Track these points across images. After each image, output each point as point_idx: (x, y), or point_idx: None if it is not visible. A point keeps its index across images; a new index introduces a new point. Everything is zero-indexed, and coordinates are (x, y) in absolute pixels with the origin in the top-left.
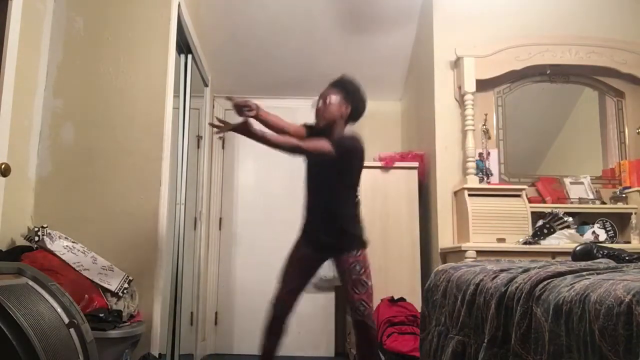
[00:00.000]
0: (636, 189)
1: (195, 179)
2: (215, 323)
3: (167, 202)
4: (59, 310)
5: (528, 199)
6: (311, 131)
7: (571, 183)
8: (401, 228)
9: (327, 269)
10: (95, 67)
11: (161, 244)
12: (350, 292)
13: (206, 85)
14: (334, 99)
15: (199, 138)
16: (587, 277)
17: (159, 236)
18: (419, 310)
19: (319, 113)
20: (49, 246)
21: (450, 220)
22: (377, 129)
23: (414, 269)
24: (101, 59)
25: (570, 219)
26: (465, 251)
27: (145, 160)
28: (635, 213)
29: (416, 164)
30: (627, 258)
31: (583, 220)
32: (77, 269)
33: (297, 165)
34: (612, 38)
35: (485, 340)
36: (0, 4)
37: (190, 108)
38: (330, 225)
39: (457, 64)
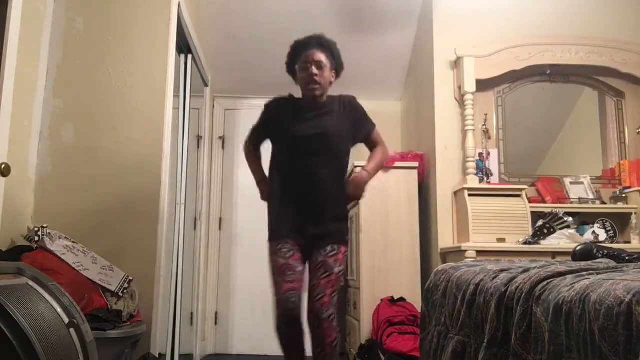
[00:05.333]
0: (636, 189)
1: (195, 179)
2: (215, 323)
3: (167, 202)
4: (59, 310)
5: (528, 199)
6: (298, 101)
7: (571, 183)
8: (401, 228)
9: None
10: (95, 67)
11: (161, 244)
12: (311, 275)
13: (206, 85)
14: (326, 63)
15: (199, 138)
16: (587, 277)
17: (159, 236)
18: (419, 310)
19: (314, 79)
20: (49, 246)
21: (450, 220)
22: (377, 129)
23: (414, 269)
24: (101, 59)
25: (570, 219)
26: (465, 251)
27: (145, 160)
28: (635, 213)
29: (416, 164)
30: (627, 258)
31: (583, 220)
32: (77, 269)
33: None
34: (612, 38)
35: (485, 340)
36: (0, 4)
37: (190, 108)
38: (319, 203)
39: (457, 64)
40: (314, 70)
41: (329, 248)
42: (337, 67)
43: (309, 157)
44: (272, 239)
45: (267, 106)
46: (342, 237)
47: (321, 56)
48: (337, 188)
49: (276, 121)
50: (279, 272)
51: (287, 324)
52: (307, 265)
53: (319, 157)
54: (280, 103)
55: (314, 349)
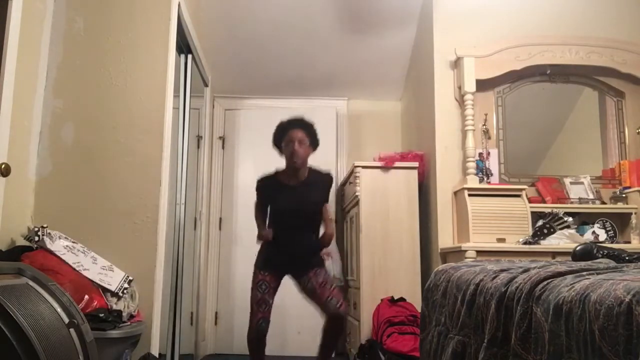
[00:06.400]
0: (636, 189)
1: (195, 179)
2: (215, 323)
3: (167, 202)
4: (59, 310)
5: (528, 199)
6: (280, 174)
7: (571, 183)
8: (401, 228)
9: (330, 268)
10: (95, 67)
11: (161, 244)
12: (318, 292)
13: (206, 85)
14: (305, 141)
15: (199, 138)
16: (587, 277)
17: (159, 236)
18: (419, 310)
19: (297, 154)
20: (49, 246)
21: (450, 220)
22: (377, 129)
23: (414, 269)
24: (101, 59)
25: (570, 219)
26: (465, 251)
27: (145, 160)
28: (635, 213)
29: (416, 164)
30: (627, 258)
31: (583, 220)
32: (77, 269)
33: None
34: (612, 38)
35: (485, 340)
36: (0, 4)
37: (190, 108)
38: (308, 245)
39: (457, 64)
40: (296, 146)
41: (320, 271)
42: (314, 143)
43: (292, 221)
44: (257, 267)
45: (258, 187)
46: (321, 264)
47: (302, 135)
48: (313, 238)
49: (266, 196)
50: (256, 303)
51: (257, 340)
52: (275, 298)
53: (299, 221)
54: (266, 182)
55: (328, 341)
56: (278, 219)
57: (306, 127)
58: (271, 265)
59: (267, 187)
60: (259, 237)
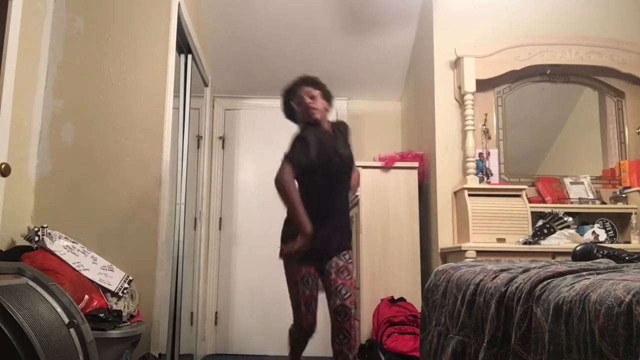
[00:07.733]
0: (636, 189)
1: (195, 179)
2: (215, 323)
3: (167, 202)
4: (59, 310)
5: (528, 199)
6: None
7: (571, 183)
8: (401, 228)
9: None
10: (95, 67)
11: (161, 244)
12: (334, 277)
13: (206, 85)
14: (316, 94)
15: (199, 138)
16: (587, 277)
17: (159, 236)
18: (419, 310)
19: (312, 106)
20: (49, 246)
21: (450, 220)
22: (377, 129)
23: (414, 269)
24: (101, 59)
25: (570, 219)
26: (465, 251)
27: (145, 160)
28: (635, 213)
29: (416, 164)
30: (627, 258)
31: (583, 220)
32: (77, 269)
33: None
34: (612, 38)
35: (485, 340)
36: (0, 4)
37: (190, 108)
38: (343, 224)
39: (457, 64)
40: (308, 100)
41: (347, 256)
42: (327, 96)
43: (333, 181)
44: (298, 262)
45: (303, 136)
46: (350, 243)
47: (309, 89)
48: (348, 204)
49: (314, 146)
50: (305, 303)
51: (305, 340)
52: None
53: (340, 181)
54: (310, 128)
55: (340, 341)
56: (320, 181)
57: (311, 82)
58: (314, 255)
59: (314, 133)
60: (307, 225)
